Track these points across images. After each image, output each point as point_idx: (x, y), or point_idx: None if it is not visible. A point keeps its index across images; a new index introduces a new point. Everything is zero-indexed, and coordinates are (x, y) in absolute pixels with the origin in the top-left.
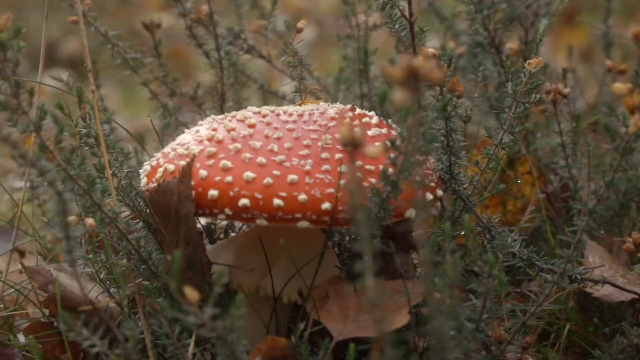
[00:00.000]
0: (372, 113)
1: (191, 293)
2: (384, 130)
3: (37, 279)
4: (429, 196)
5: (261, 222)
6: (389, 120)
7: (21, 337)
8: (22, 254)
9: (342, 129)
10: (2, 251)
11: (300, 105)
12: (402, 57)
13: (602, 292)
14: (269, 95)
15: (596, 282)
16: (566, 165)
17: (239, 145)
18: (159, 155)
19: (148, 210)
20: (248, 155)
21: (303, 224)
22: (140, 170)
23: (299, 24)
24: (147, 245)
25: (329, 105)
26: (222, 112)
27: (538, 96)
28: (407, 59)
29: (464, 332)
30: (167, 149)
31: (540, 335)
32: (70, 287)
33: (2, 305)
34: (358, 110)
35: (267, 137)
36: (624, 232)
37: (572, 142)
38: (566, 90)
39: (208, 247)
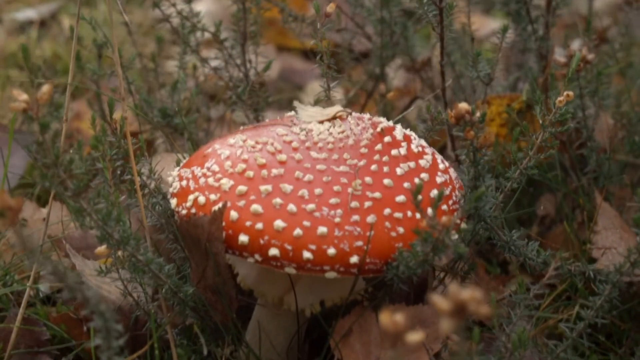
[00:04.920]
0: (400, 136)
1: None
2: (412, 165)
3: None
4: (454, 235)
5: (290, 270)
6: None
7: (43, 287)
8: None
9: (383, 317)
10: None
11: (329, 120)
12: (451, 287)
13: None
14: (290, 19)
15: (607, 274)
16: (584, 125)
17: (269, 188)
18: (187, 173)
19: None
20: (279, 200)
21: (331, 274)
22: (169, 179)
23: (328, 9)
24: (174, 272)
25: (357, 124)
26: (243, 51)
27: (566, 127)
28: (455, 291)
29: None
30: (197, 171)
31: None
32: (100, 292)
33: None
34: (387, 138)
35: (297, 179)
36: (635, 185)
37: (592, 93)
38: (590, 57)
39: None
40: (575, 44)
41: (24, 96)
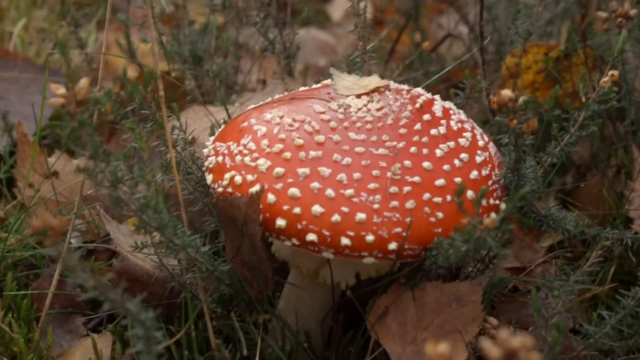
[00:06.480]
0: (439, 111)
1: None
2: (452, 144)
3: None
4: (493, 215)
5: (327, 255)
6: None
7: (75, 241)
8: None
9: (429, 347)
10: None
11: (367, 94)
12: (501, 332)
13: None
14: None
15: None
16: (624, 78)
17: (307, 171)
18: (223, 149)
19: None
20: (317, 185)
21: (369, 260)
22: (204, 152)
23: None
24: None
25: (395, 100)
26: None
27: (609, 104)
28: (506, 337)
29: None
30: (233, 147)
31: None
32: (134, 260)
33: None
34: (426, 116)
35: (336, 162)
36: None
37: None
38: (633, 12)
39: None
40: None
41: (62, 90)
